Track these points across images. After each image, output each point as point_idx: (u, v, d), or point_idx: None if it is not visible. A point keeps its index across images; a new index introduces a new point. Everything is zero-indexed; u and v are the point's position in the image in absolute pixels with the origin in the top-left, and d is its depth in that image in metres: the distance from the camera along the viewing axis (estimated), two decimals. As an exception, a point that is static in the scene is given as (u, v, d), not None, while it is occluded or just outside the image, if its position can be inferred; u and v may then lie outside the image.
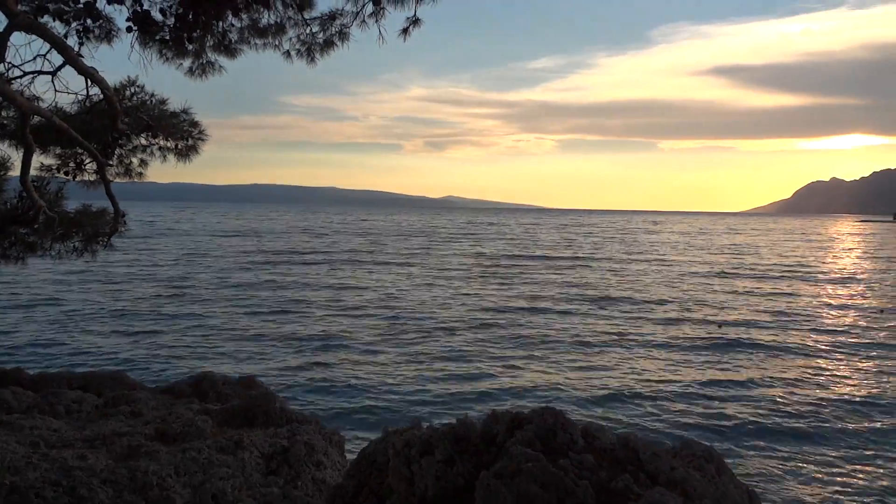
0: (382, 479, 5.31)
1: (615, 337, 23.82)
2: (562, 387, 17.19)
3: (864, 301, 35.51)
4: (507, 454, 4.25)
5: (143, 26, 6.95)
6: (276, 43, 10.86)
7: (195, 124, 10.43)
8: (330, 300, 31.37)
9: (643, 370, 19.14)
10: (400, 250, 67.48)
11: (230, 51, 10.88)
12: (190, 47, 10.55)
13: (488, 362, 19.62)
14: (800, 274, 50.27)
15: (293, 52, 10.87)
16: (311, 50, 10.87)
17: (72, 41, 6.59)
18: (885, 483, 11.50)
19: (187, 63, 10.58)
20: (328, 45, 10.85)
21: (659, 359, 20.64)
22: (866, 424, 14.67)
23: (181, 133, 10.47)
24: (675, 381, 17.91)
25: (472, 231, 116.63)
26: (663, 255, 68.91)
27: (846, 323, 28.32)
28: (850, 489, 11.27)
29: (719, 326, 26.67)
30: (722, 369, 19.44)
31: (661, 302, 33.49)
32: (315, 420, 8.76)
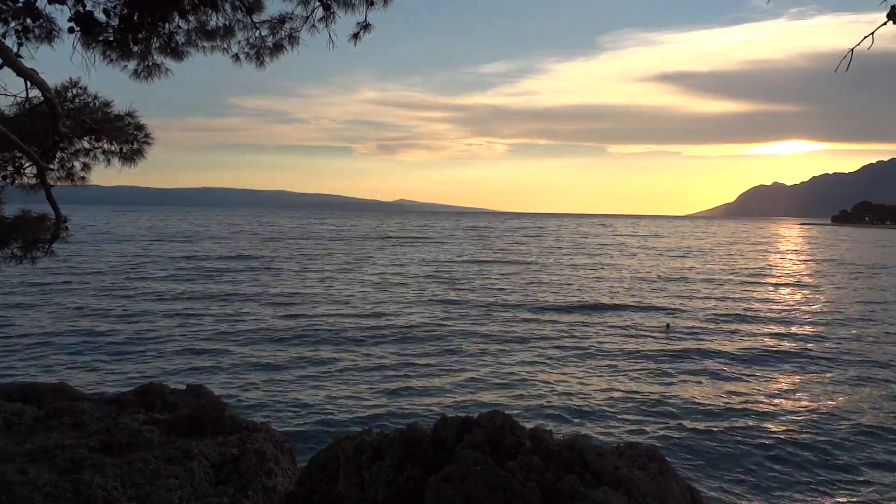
0: (334, 486, 5.31)
1: (568, 343, 24.12)
2: (514, 393, 17.35)
3: (812, 305, 36.63)
4: (456, 458, 4.30)
5: (86, 27, 6.81)
6: (225, 46, 10.72)
7: (141, 127, 10.22)
8: (279, 306, 31.01)
9: (591, 374, 19.46)
10: (350, 254, 67.11)
11: (177, 53, 10.69)
12: (135, 49, 10.35)
13: (444, 369, 19.68)
14: (746, 278, 51.72)
15: (242, 56, 10.74)
16: (260, 54, 10.77)
17: (10, 42, 6.41)
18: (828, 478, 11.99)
19: (132, 65, 10.36)
20: (278, 48, 10.76)
21: (606, 363, 20.99)
22: (817, 429, 15.21)
23: (126, 136, 10.24)
24: (623, 383, 18.27)
25: (424, 235, 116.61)
26: (612, 258, 70.11)
27: (794, 326, 29.26)
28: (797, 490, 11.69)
29: (667, 327, 27.28)
30: (669, 372, 19.90)
31: (611, 306, 34.08)
32: (265, 428, 8.67)
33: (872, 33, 6.36)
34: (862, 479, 12.00)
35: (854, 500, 11.10)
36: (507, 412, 5.02)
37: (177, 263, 50.68)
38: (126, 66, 10.61)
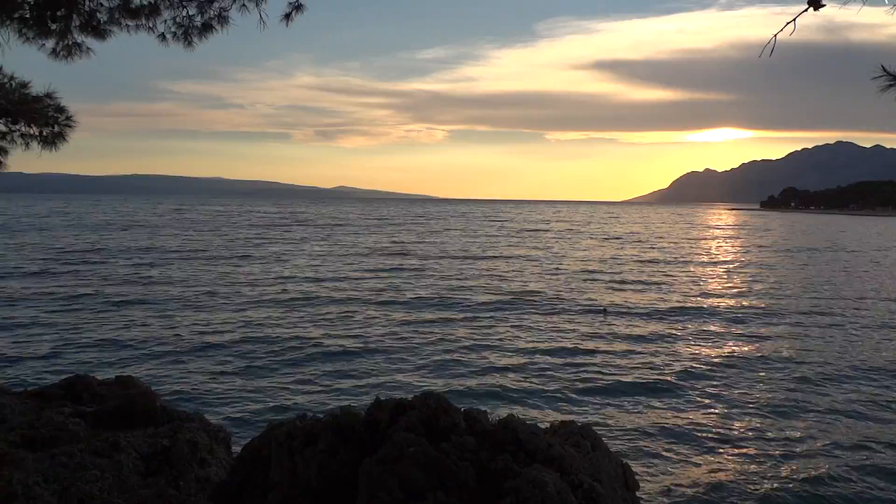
0: (267, 473, 5.23)
1: (503, 328, 24.38)
2: (450, 376, 17.45)
3: (747, 287, 37.84)
4: (390, 440, 4.29)
5: (1, 4, 6.45)
6: (150, 25, 10.33)
7: (61, 110, 9.75)
8: (212, 295, 30.34)
9: (528, 357, 19.72)
10: (283, 240, 66.14)
11: (99, 32, 10.24)
12: (53, 27, 9.88)
13: (381, 354, 19.63)
14: (684, 262, 53.18)
15: (169, 36, 10.37)
16: (188, 33, 10.41)
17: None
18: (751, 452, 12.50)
19: (50, 44, 9.88)
20: (207, 28, 10.43)
21: (543, 346, 21.31)
22: (749, 405, 15.80)
23: (45, 119, 9.77)
24: (559, 366, 18.58)
25: (362, 223, 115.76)
26: (549, 246, 71.14)
27: (729, 307, 30.27)
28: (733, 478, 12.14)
29: (604, 311, 27.85)
30: (604, 353, 20.35)
31: (547, 293, 34.58)
32: (199, 417, 8.48)
33: (794, 20, 6.59)
34: (794, 450, 12.55)
35: (790, 474, 11.59)
36: (442, 394, 5.02)
37: (106, 253, 48.90)
38: (44, 44, 10.12)
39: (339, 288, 33.41)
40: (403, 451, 4.15)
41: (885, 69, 6.70)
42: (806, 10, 6.56)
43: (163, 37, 10.32)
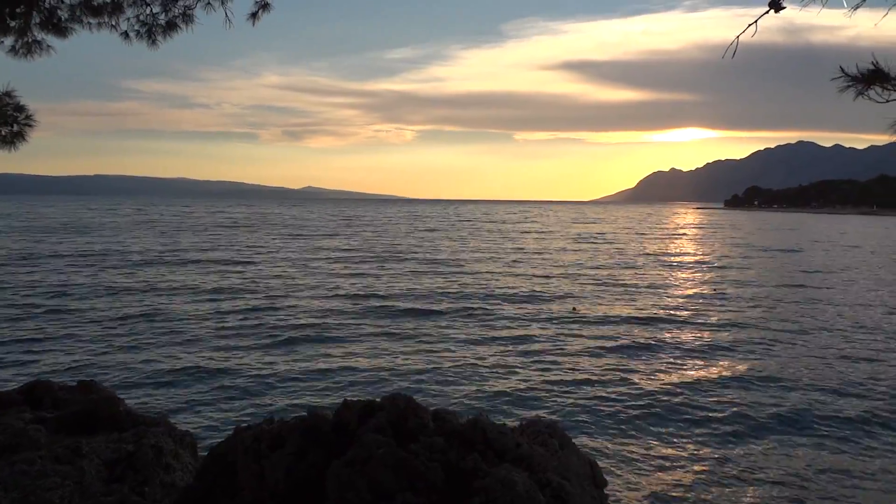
0: (234, 478, 5.17)
1: (474, 328, 24.43)
2: (419, 378, 17.44)
3: (717, 286, 38.34)
4: (358, 442, 4.27)
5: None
6: (113, 23, 10.15)
7: (21, 108, 9.53)
8: (181, 299, 29.93)
9: (497, 356, 19.81)
10: (245, 243, 65.50)
11: (60, 29, 10.04)
12: (12, 24, 9.65)
13: (348, 357, 19.55)
14: (653, 261, 53.81)
15: (132, 34, 10.21)
16: (152, 32, 10.26)
17: None
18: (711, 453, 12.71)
19: (9, 41, 9.66)
20: (171, 27, 10.28)
21: (510, 346, 21.41)
22: (719, 397, 16.04)
23: (4, 118, 9.55)
24: (527, 365, 18.69)
25: (328, 225, 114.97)
26: (521, 246, 71.51)
27: (697, 306, 30.69)
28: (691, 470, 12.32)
29: (573, 310, 28.07)
30: (574, 351, 20.52)
31: (518, 292, 34.75)
32: (164, 421, 8.33)
33: (756, 21, 6.73)
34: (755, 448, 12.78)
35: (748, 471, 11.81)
36: (411, 395, 5.02)
37: (64, 257, 47.85)
38: (2, 42, 9.89)
39: (310, 288, 33.18)
40: (372, 453, 4.13)
41: (843, 70, 6.87)
42: (767, 11, 6.69)
43: (126, 35, 10.16)
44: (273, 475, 4.36)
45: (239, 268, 42.25)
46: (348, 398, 4.90)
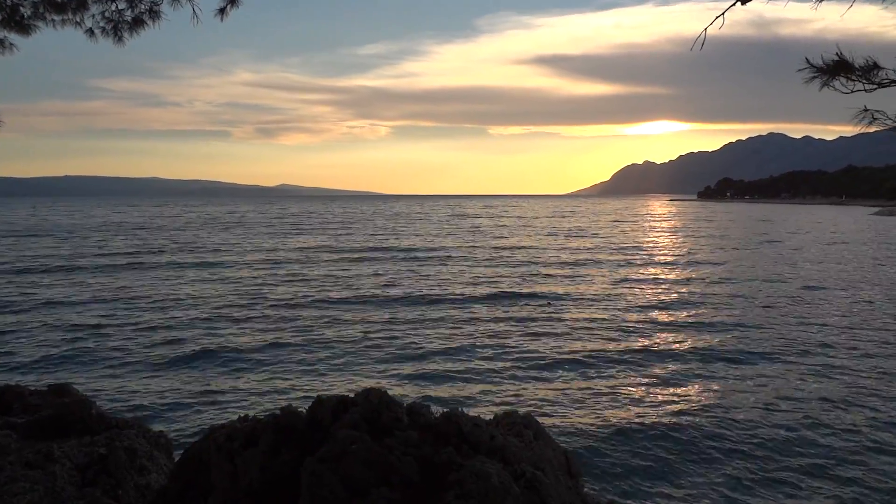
0: (209, 477, 5.12)
1: (450, 324, 24.43)
2: (394, 373, 17.43)
3: (694, 279, 38.73)
4: (332, 438, 4.25)
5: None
6: (78, 20, 9.98)
7: (-16, 110, 9.36)
8: (153, 300, 29.57)
9: (471, 350, 19.85)
10: (214, 242, 64.93)
11: (23, 27, 9.85)
12: (-29, 22, 9.45)
13: (324, 352, 19.48)
14: (628, 254, 54.18)
15: (97, 31, 10.04)
16: (118, 28, 10.10)
17: None
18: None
19: (-32, 39, 9.47)
20: (137, 23, 10.13)
21: (485, 340, 21.47)
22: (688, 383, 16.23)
23: (-34, 119, 9.39)
24: (500, 358, 18.76)
25: (299, 222, 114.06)
26: (501, 237, 71.69)
27: (673, 297, 30.99)
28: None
29: (548, 305, 28.20)
30: (547, 344, 20.64)
31: (496, 288, 34.85)
32: (137, 423, 8.23)
33: (723, 14, 6.81)
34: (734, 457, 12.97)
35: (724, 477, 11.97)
36: (385, 390, 5.01)
37: (54, 261, 47.00)
38: (-39, 39, 9.67)
39: (283, 281, 32.96)
40: (346, 448, 4.12)
41: (808, 61, 6.97)
42: (734, 3, 6.78)
43: (91, 32, 10.00)
44: (246, 473, 4.33)
45: (212, 268, 41.86)
46: (322, 394, 4.89)
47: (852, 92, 6.67)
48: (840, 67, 6.72)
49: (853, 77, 6.69)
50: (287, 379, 16.63)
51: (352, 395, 4.75)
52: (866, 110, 6.62)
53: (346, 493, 3.95)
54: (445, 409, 4.88)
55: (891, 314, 25.56)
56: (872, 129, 6.71)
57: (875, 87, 6.57)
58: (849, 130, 6.72)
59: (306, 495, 4.02)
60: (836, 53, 6.66)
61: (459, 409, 4.96)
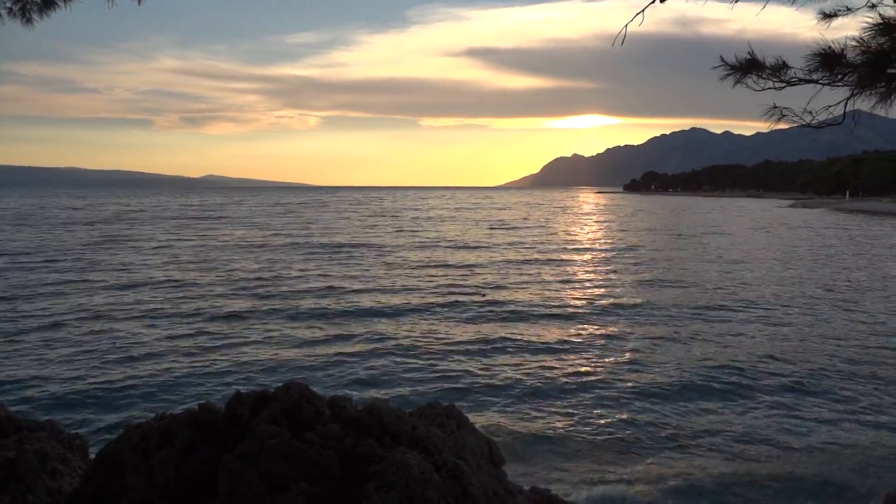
0: (123, 479, 4.97)
1: (383, 319, 24.38)
2: (319, 365, 17.27)
3: (620, 270, 39.81)
4: (251, 434, 4.19)
5: None
6: (-19, 0, 9.45)
7: None
8: (62, 296, 28.36)
9: (402, 340, 19.88)
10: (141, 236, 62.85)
11: (-81, 7, 9.27)
12: None
13: (247, 346, 19.13)
14: (558, 246, 55.08)
15: (4, 12, 9.54)
16: (26, 10, 9.62)
17: None
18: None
19: None
20: (48, 5, 9.67)
21: (417, 333, 21.54)
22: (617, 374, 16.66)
23: None
24: (423, 349, 18.86)
25: (224, 213, 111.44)
26: (439, 230, 71.76)
27: (616, 286, 31.69)
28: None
29: (483, 296, 28.43)
30: (478, 336, 20.85)
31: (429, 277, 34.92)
32: (50, 425, 7.88)
33: (643, 11, 6.99)
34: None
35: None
36: (307, 384, 4.97)
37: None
38: None
39: (209, 272, 32.16)
40: (264, 444, 4.07)
41: (723, 59, 7.27)
42: (653, 1, 6.98)
43: (-3, 13, 9.48)
44: (162, 473, 4.22)
45: (131, 257, 40.45)
46: (241, 390, 4.81)
47: (763, 90, 7.01)
48: (752, 66, 7.05)
49: (764, 75, 7.03)
50: (209, 375, 16.25)
51: (272, 389, 4.69)
52: (775, 107, 6.96)
53: (264, 489, 3.91)
54: (367, 402, 4.88)
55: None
56: (784, 126, 7.06)
57: (784, 85, 6.92)
58: (765, 126, 7.04)
59: (224, 493, 3.96)
60: (748, 52, 6.98)
61: (381, 402, 4.96)
